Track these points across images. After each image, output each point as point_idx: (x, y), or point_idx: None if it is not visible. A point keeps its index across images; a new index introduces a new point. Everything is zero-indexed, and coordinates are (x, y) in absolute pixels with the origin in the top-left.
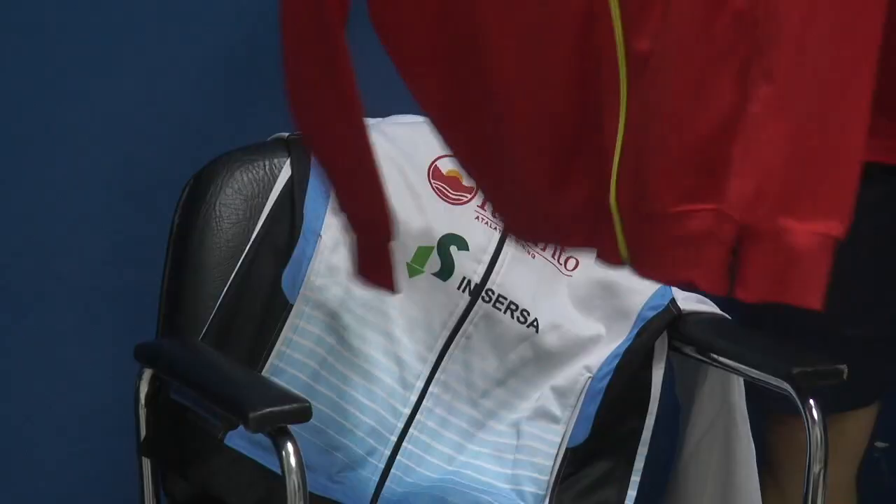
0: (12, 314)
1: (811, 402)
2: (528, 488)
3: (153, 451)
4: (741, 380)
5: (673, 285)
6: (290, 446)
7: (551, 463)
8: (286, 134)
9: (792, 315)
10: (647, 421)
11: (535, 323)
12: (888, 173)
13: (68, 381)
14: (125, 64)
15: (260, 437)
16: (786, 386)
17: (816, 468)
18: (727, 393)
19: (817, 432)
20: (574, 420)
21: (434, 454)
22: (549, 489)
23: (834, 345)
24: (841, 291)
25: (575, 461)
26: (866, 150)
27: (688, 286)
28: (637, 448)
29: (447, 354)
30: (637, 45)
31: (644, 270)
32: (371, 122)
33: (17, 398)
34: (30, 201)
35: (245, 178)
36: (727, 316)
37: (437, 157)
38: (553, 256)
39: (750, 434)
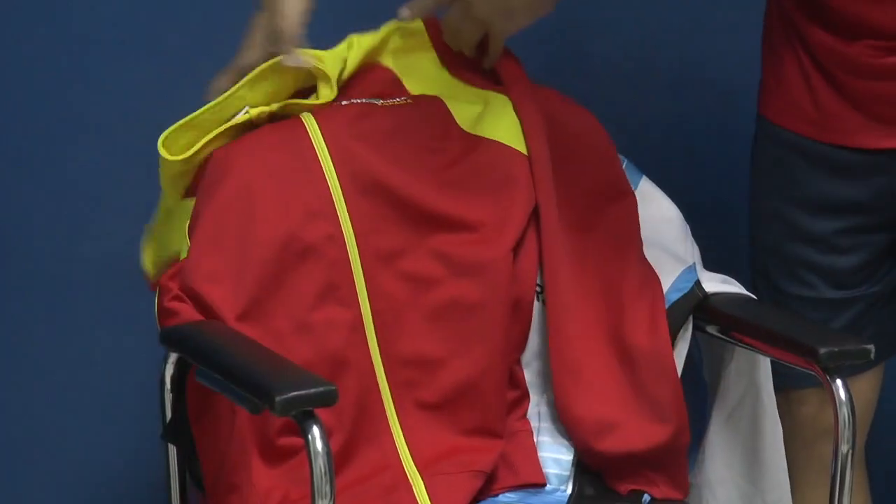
0: (41, 300)
1: (838, 381)
2: (552, 470)
3: (178, 435)
4: (767, 360)
5: None
6: (315, 430)
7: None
8: None
9: (790, 279)
10: None
11: None
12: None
13: (96, 365)
14: (155, 54)
15: None
16: (811, 366)
17: (844, 448)
18: (754, 372)
19: (845, 412)
20: None
21: None
22: (573, 469)
23: (834, 305)
24: (827, 256)
25: None
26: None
27: None
28: None
29: None
30: None
31: None
32: None
33: (45, 383)
34: (59, 189)
35: None
36: (752, 296)
37: None
38: None
39: (777, 414)
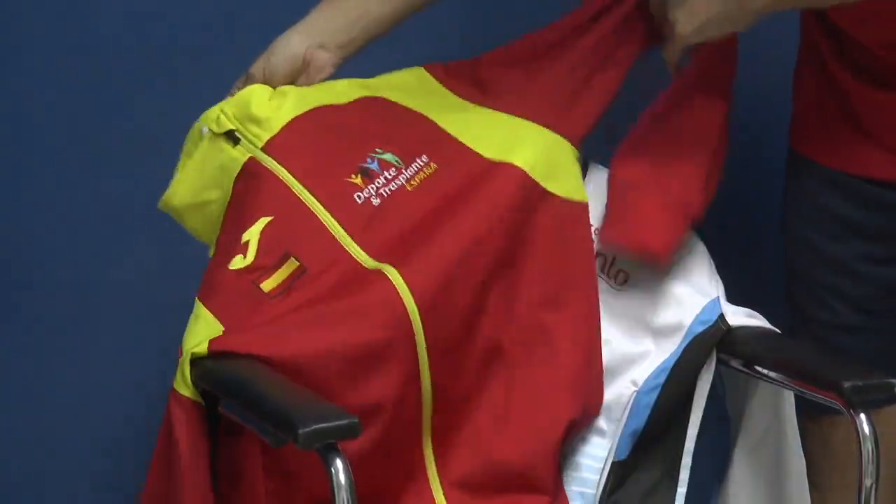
0: (59, 324)
1: (862, 416)
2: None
3: None
4: (791, 394)
5: None
6: (339, 463)
7: (597, 477)
8: None
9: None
10: (690, 432)
11: None
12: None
13: (113, 392)
14: (171, 77)
15: None
16: (836, 400)
17: (868, 482)
18: (777, 406)
19: (869, 447)
20: (619, 433)
21: None
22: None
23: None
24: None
25: (620, 475)
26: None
27: None
28: (681, 460)
29: None
30: None
31: None
32: None
33: (60, 410)
34: (78, 212)
35: None
36: (777, 330)
37: None
38: (603, 272)
39: (801, 447)
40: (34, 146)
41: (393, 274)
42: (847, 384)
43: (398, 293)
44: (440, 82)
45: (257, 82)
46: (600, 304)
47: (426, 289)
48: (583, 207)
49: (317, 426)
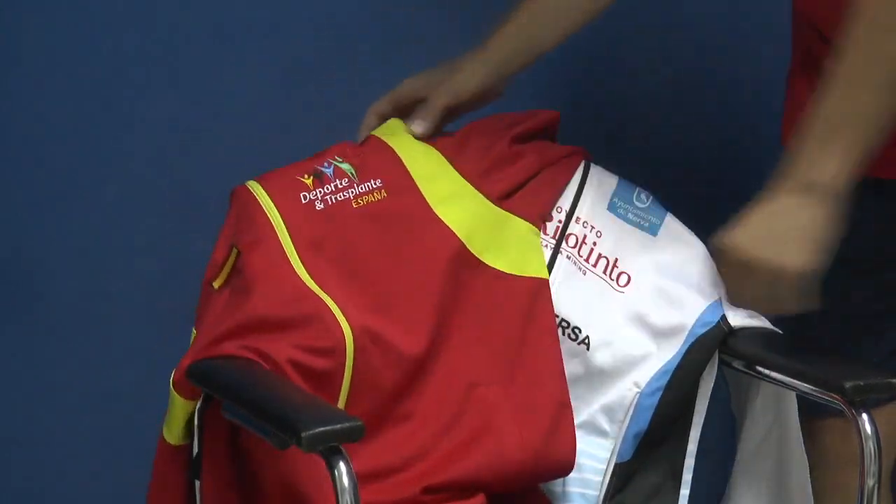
0: (63, 333)
1: (864, 415)
2: None
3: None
4: (794, 394)
5: None
6: (342, 465)
7: (600, 478)
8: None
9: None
10: (692, 433)
11: (586, 340)
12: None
13: (119, 401)
14: (174, 85)
15: None
16: (837, 400)
17: (871, 482)
18: (780, 407)
19: (871, 446)
20: (622, 435)
21: None
22: None
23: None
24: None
25: (623, 476)
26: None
27: None
28: (684, 462)
29: None
30: None
31: None
32: None
33: (65, 417)
34: (82, 221)
35: None
36: (778, 330)
37: None
38: (605, 273)
39: (803, 448)
40: (36, 152)
41: (332, 306)
42: (849, 384)
43: (337, 321)
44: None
45: (440, 107)
46: (604, 305)
47: (364, 326)
48: (537, 283)
49: (320, 429)
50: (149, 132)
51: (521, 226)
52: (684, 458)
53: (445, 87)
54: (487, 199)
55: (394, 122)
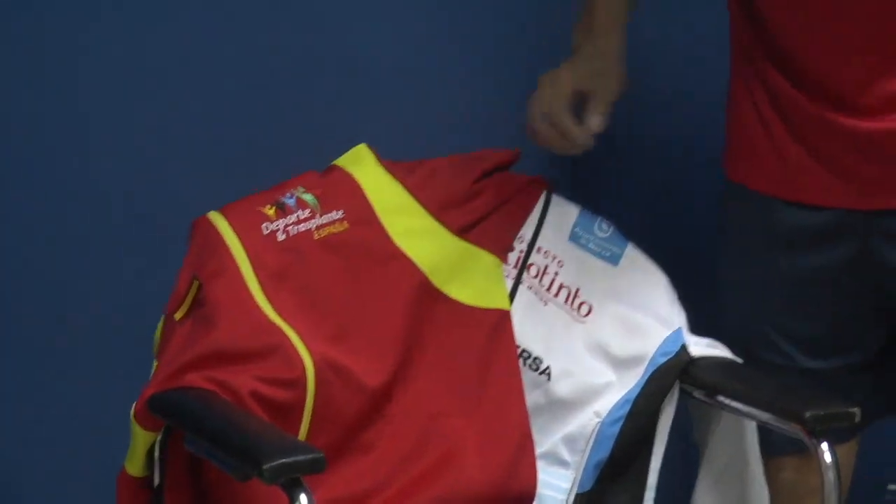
0: (22, 367)
1: (824, 445)
2: None
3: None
4: (754, 424)
5: None
6: (304, 498)
7: None
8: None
9: (755, 349)
10: (653, 464)
11: (547, 371)
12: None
13: (89, 431)
14: (134, 117)
15: None
16: (797, 429)
17: None
18: (741, 436)
19: (831, 476)
20: (584, 465)
21: None
22: None
23: (812, 375)
24: (802, 324)
25: None
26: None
27: None
28: (644, 493)
29: None
30: None
31: None
32: None
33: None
34: (47, 250)
35: None
36: (738, 360)
37: None
38: (566, 303)
39: (764, 478)
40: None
41: (294, 337)
42: (808, 413)
43: (298, 353)
44: (379, 161)
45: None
46: (565, 335)
47: (325, 357)
48: (499, 315)
49: (281, 461)
50: (113, 161)
51: (483, 257)
52: (644, 490)
53: (605, 80)
54: (450, 231)
55: (360, 151)
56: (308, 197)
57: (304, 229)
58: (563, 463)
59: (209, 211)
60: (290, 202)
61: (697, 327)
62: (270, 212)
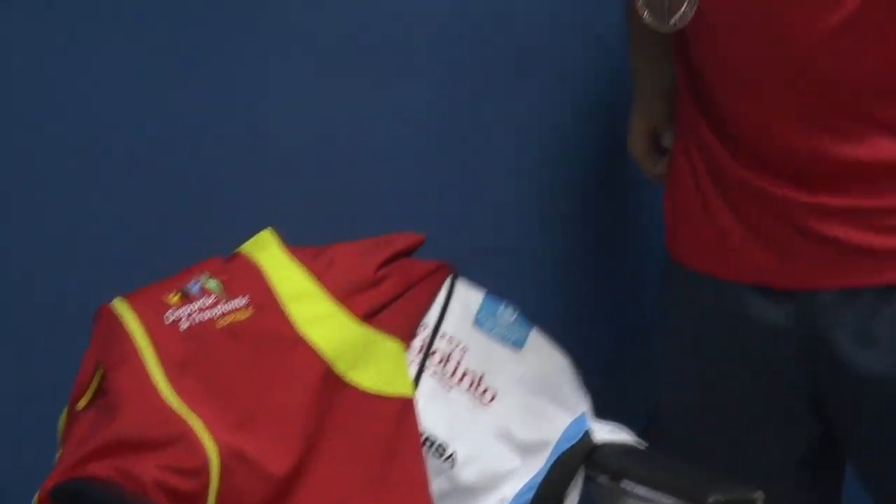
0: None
1: None
2: None
3: None
4: None
5: None
6: None
7: None
8: None
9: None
10: None
11: (451, 457)
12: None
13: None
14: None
15: None
16: None
17: None
18: None
19: None
20: None
21: None
22: None
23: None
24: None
25: None
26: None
27: None
28: None
29: None
30: None
31: None
32: None
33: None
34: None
35: None
36: (643, 443)
37: None
38: (470, 389)
39: None
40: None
41: (198, 426)
42: (711, 498)
43: (201, 442)
44: (283, 246)
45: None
46: (470, 420)
47: (230, 446)
48: (403, 402)
49: None
50: (9, 249)
51: (387, 344)
52: None
53: (663, 117)
54: (355, 317)
55: (264, 237)
56: (212, 284)
57: (207, 317)
58: None
59: (114, 298)
60: (195, 289)
61: (602, 410)
62: (174, 300)
